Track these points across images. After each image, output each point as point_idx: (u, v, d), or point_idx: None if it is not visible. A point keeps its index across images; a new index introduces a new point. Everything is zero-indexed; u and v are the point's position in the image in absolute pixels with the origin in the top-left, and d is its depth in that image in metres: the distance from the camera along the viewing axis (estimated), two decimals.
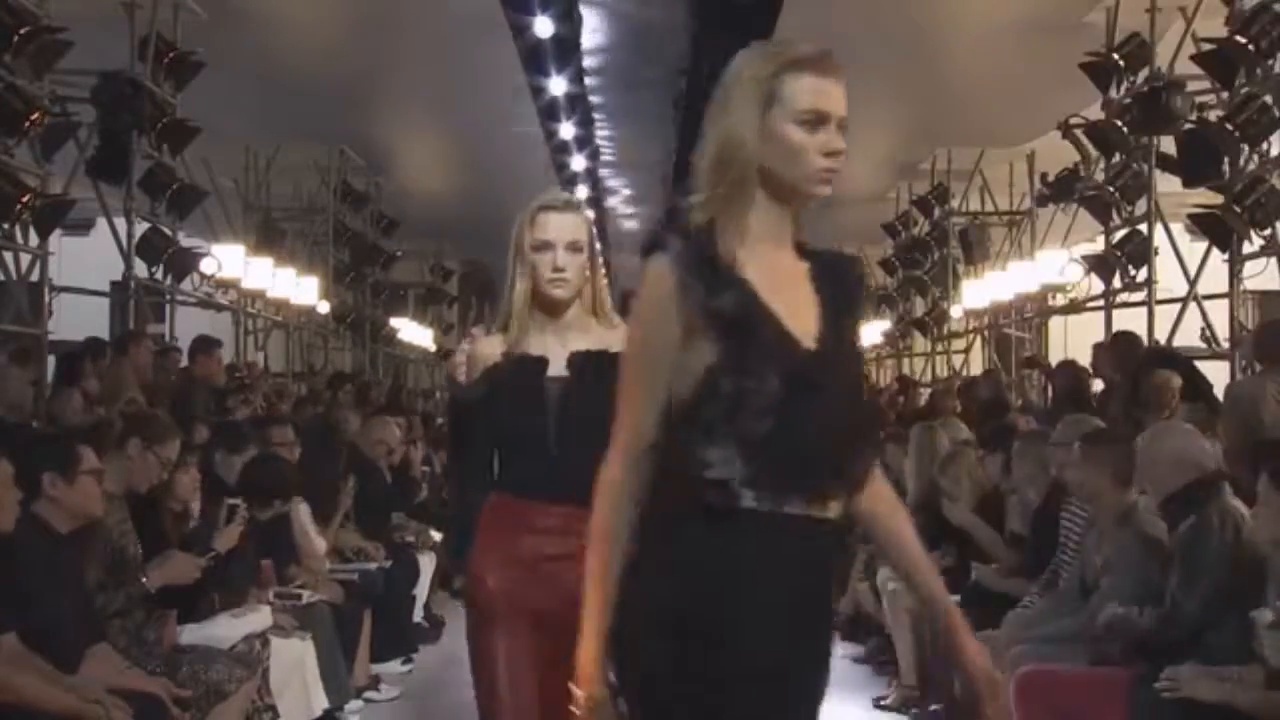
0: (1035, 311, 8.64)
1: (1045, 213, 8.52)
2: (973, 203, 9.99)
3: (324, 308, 9.48)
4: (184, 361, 5.89)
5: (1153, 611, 2.80)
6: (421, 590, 5.24)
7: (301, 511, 4.33)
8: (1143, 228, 6.31)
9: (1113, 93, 6.30)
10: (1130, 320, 6.38)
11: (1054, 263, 7.56)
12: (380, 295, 11.50)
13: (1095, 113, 6.57)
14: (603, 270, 2.18)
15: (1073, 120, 6.78)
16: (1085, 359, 5.89)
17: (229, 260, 7.31)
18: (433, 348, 14.00)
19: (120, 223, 6.25)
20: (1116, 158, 6.47)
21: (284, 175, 9.36)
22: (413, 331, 12.87)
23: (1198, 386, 4.56)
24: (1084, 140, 6.71)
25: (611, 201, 14.93)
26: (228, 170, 8.89)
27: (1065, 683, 2.86)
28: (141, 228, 6.27)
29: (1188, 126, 5.53)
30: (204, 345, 5.92)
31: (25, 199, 4.86)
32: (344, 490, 4.70)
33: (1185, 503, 2.82)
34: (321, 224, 9.85)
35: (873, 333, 12.88)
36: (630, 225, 17.01)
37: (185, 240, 6.89)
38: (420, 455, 6.16)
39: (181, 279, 6.76)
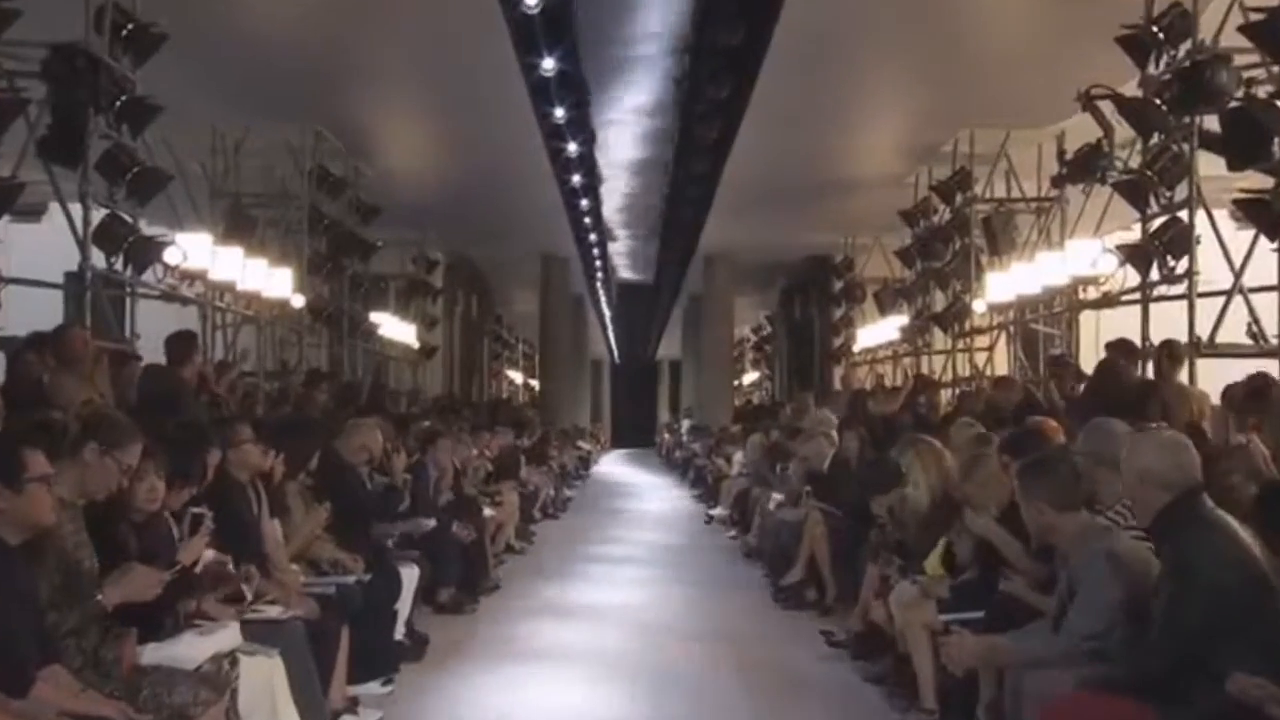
0: (1065, 306, 8.62)
1: (1076, 199, 8.49)
2: (997, 188, 9.97)
3: (298, 301, 9.46)
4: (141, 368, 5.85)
5: (1125, 634, 2.77)
6: (404, 605, 5.22)
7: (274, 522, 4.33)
8: (1183, 214, 6.28)
9: (1151, 67, 6.26)
10: (1169, 315, 6.36)
11: (1086, 253, 7.54)
12: (359, 288, 11.48)
13: (1132, 90, 6.51)
14: None
15: (1095, 90, 6.67)
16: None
17: (195, 250, 7.29)
18: (416, 344, 13.99)
19: (75, 209, 6.21)
20: (1155, 138, 6.42)
21: (254, 158, 9.34)
22: (394, 327, 12.86)
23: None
24: (1106, 112, 6.63)
25: (610, 190, 14.91)
26: (193, 152, 8.87)
27: (1094, 714, 2.84)
28: (99, 214, 6.22)
29: (1233, 104, 5.49)
30: (186, 345, 5.88)
31: None
32: (310, 507, 4.68)
33: (1169, 522, 2.79)
34: (295, 211, 9.83)
35: (889, 329, 12.92)
36: (628, 215, 17.01)
37: (147, 228, 6.85)
38: (403, 461, 6.14)
39: (143, 270, 6.71)
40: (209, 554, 3.59)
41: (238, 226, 8.77)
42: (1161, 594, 2.73)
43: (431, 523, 5.84)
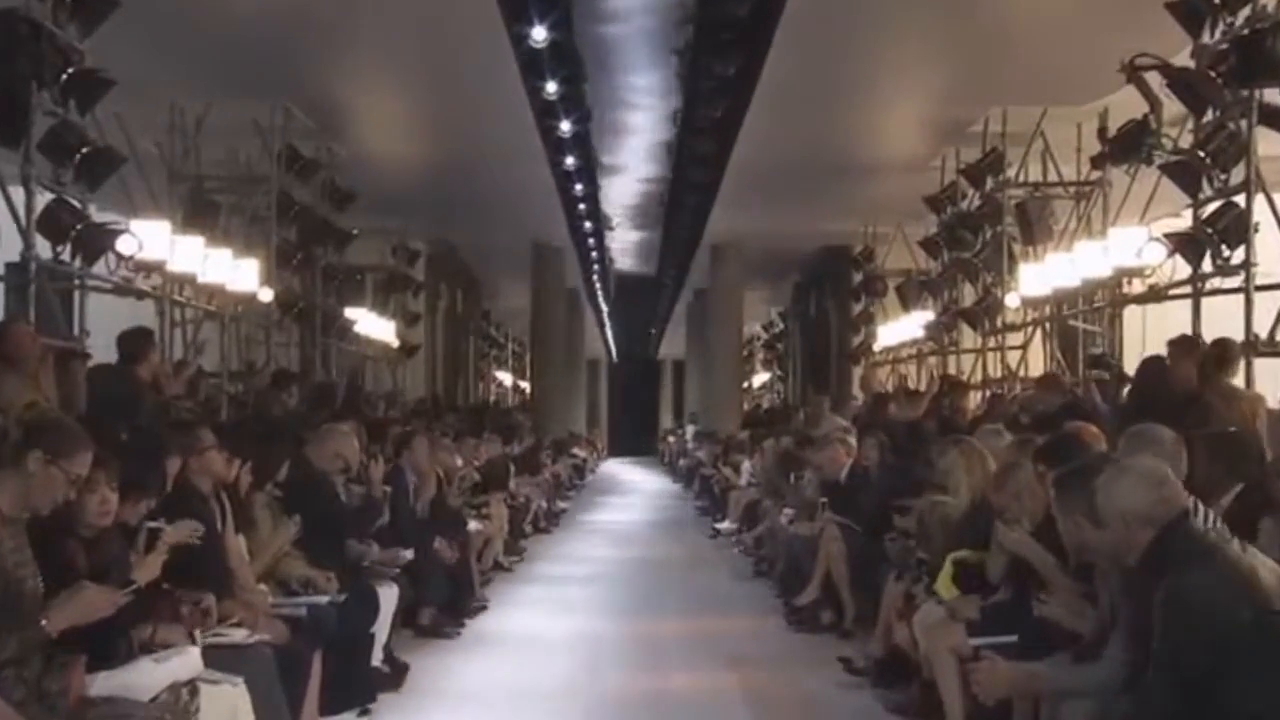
0: (1107, 301, 8.60)
1: (1119, 183, 8.46)
2: (1032, 171, 9.95)
3: (266, 295, 9.44)
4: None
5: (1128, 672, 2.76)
6: (382, 628, 5.21)
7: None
8: (1239, 199, 6.24)
9: (1205, 36, 6.21)
10: (1223, 310, 6.33)
11: (1130, 242, 7.51)
12: (333, 281, 11.47)
13: (1183, 61, 6.44)
14: None
15: (1142, 60, 6.61)
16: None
17: (151, 239, 7.26)
18: (395, 343, 14.00)
19: (17, 193, 6.17)
20: (1209, 114, 6.36)
21: (217, 138, 9.30)
22: (371, 324, 12.85)
23: None
24: (1153, 85, 6.56)
25: (607, 173, 14.90)
26: (149, 131, 8.84)
27: None
28: (43, 199, 6.19)
29: None
30: (141, 342, 5.86)
31: None
32: (279, 521, 4.66)
33: (1159, 558, 2.78)
34: (263, 196, 9.80)
35: (912, 326, 12.92)
36: (628, 201, 17.00)
37: (97, 215, 6.82)
38: (381, 470, 6.13)
39: (93, 261, 6.68)
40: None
41: (198, 213, 8.75)
42: (1158, 633, 2.71)
43: (409, 554, 5.82)
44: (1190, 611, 2.66)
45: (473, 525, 7.72)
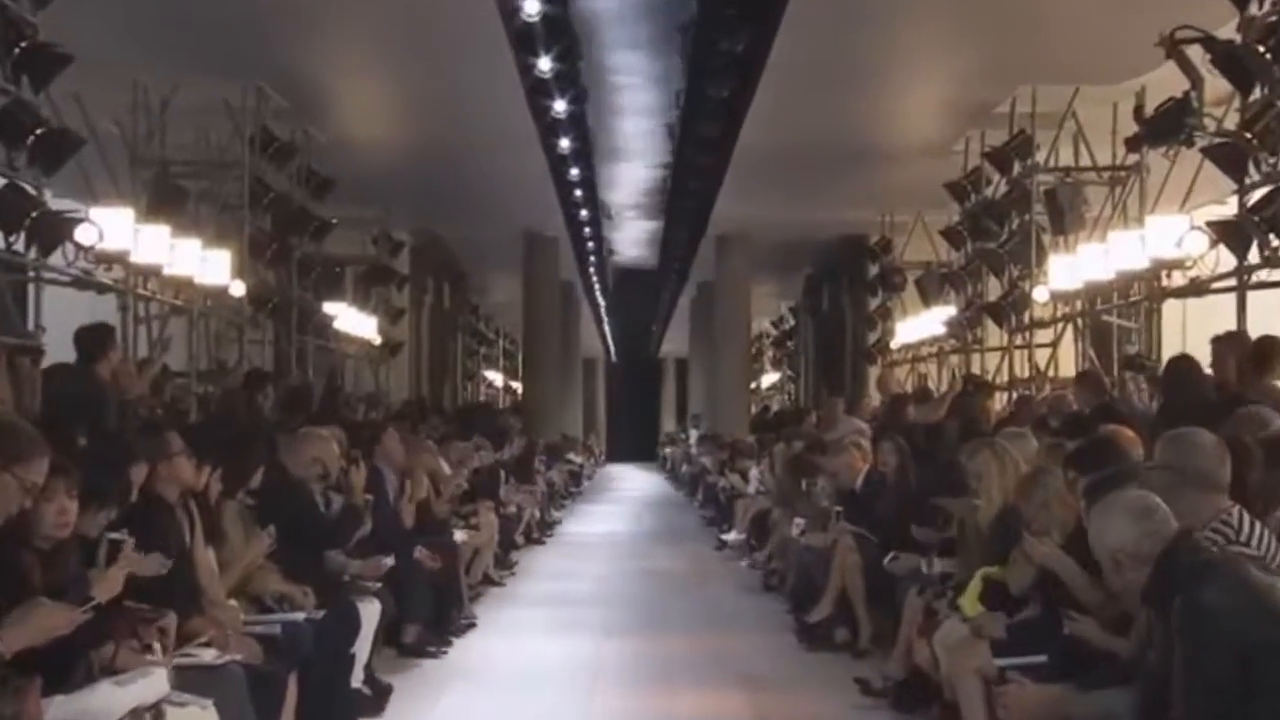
0: (1144, 295, 8.59)
1: (1158, 167, 8.45)
2: (1063, 155, 9.94)
3: (238, 289, 9.44)
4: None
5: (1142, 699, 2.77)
6: (363, 647, 5.20)
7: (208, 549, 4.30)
8: None
9: (1253, 8, 6.20)
10: (1270, 304, 6.31)
11: (1170, 231, 7.50)
12: (310, 274, 11.47)
13: (1229, 34, 6.42)
14: None
15: (1183, 34, 6.57)
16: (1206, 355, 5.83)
17: (113, 228, 7.24)
18: (377, 340, 14.00)
19: None
20: (1256, 92, 6.32)
21: (184, 119, 9.29)
22: (352, 320, 12.85)
23: None
24: (1195, 60, 6.53)
25: (605, 158, 14.89)
26: (110, 111, 8.82)
27: None
28: None
29: None
30: (100, 339, 5.83)
31: None
32: (252, 532, 4.66)
33: (1164, 586, 2.80)
34: (234, 183, 9.79)
35: (933, 322, 12.92)
36: (627, 187, 17.00)
37: (54, 202, 6.81)
38: (363, 476, 6.12)
39: (49, 252, 6.67)
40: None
41: (164, 200, 8.73)
42: (1180, 658, 2.72)
43: (390, 561, 5.81)
44: (1211, 629, 2.67)
45: (458, 535, 7.70)
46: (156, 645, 3.57)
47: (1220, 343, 5.82)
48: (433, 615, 6.67)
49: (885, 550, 6.25)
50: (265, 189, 10.06)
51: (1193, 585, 2.74)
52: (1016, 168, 10.14)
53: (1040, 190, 9.82)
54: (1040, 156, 9.88)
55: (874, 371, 14.78)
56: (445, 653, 6.56)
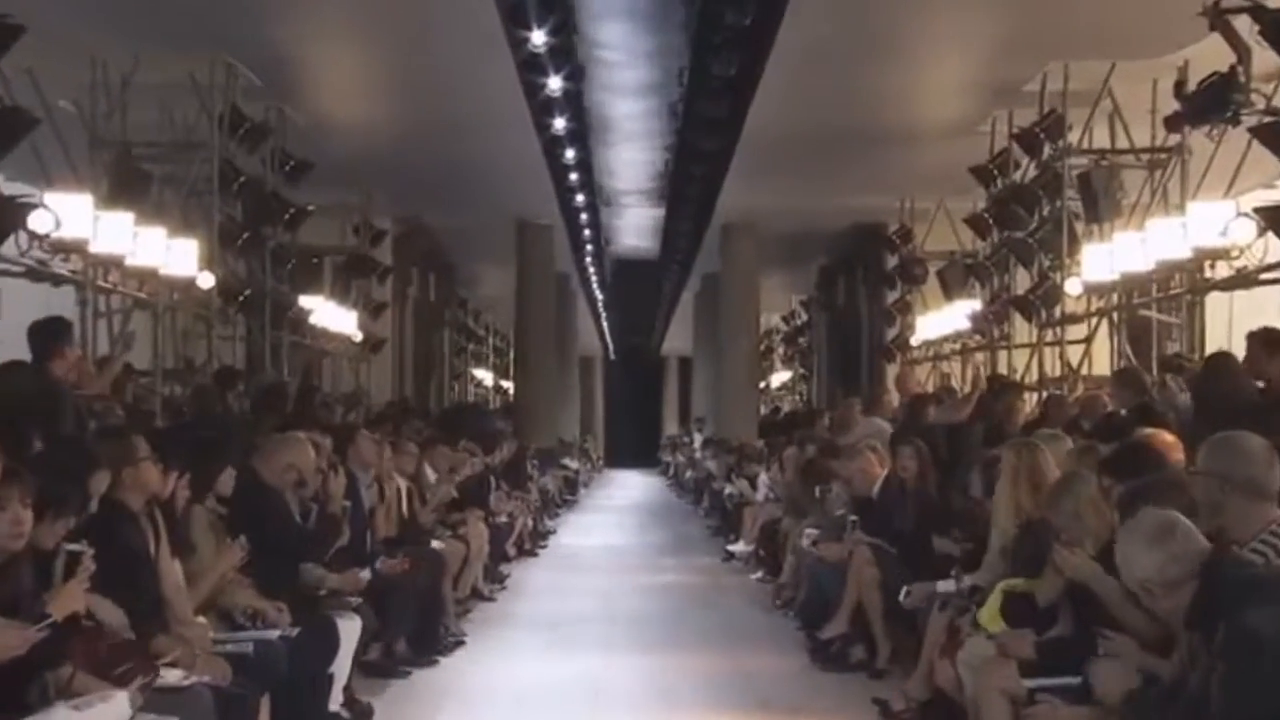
0: (1186, 287, 8.58)
1: (1201, 149, 8.43)
2: (1098, 136, 9.94)
3: (206, 281, 9.44)
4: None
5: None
6: (341, 667, 5.19)
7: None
8: None
9: None
10: None
11: (1214, 218, 7.49)
12: (285, 265, 11.47)
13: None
14: None
15: (1228, 2, 6.53)
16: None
17: (70, 215, 7.25)
18: (358, 336, 14.01)
19: None
20: None
21: (147, 97, 9.27)
22: (330, 314, 12.86)
23: None
24: (1242, 31, 6.49)
25: (603, 140, 14.89)
26: (66, 89, 8.81)
27: None
28: None
29: None
30: (56, 335, 5.83)
31: None
32: (222, 543, 4.65)
33: (1206, 609, 2.82)
34: (202, 166, 9.79)
35: (956, 317, 12.92)
36: (627, 171, 16.99)
37: (6, 186, 6.81)
38: (342, 484, 6.12)
39: (2, 240, 6.68)
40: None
41: (126, 185, 8.73)
42: (1226, 684, 2.73)
43: (367, 575, 5.80)
44: (1257, 653, 2.67)
45: (435, 544, 7.68)
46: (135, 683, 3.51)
47: (1257, 340, 5.79)
48: (417, 631, 6.66)
49: (904, 562, 6.25)
50: (235, 173, 10.05)
51: (1238, 606, 2.74)
52: (1047, 150, 10.14)
53: (1073, 174, 9.83)
54: (1073, 137, 9.88)
55: (892, 370, 14.77)
56: (431, 671, 6.55)
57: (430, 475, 8.65)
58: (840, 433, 9.59)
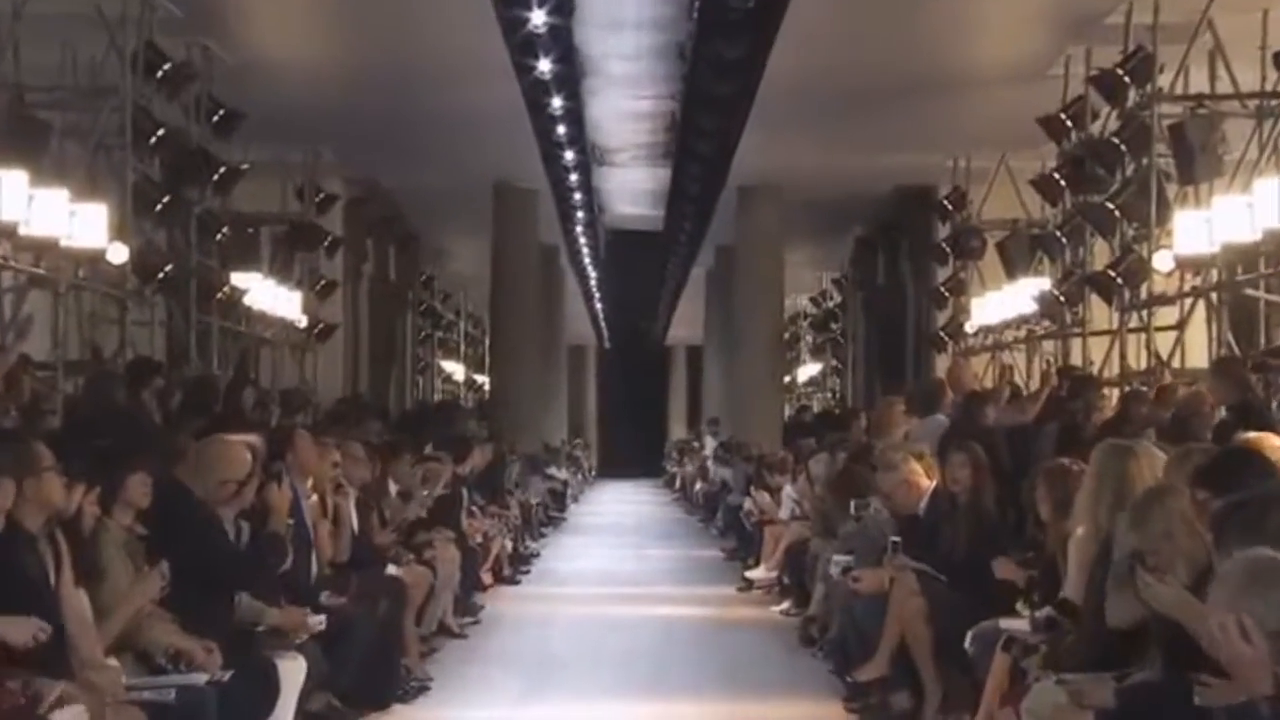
0: None
1: None
2: (1194, 79, 9.93)
3: (119, 255, 9.43)
4: None
5: None
6: (282, 716, 5.20)
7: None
8: None
9: None
10: None
11: None
12: (214, 235, 11.47)
13: None
14: None
15: None
16: None
17: None
18: (302, 321, 14.02)
19: None
20: None
21: (43, 32, 9.27)
22: (269, 294, 12.87)
23: None
24: None
25: (597, 87, 14.87)
26: None
27: None
28: None
29: None
30: None
31: None
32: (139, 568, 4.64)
33: None
34: (112, 115, 9.78)
35: (1021, 298, 12.92)
36: (625, 125, 16.97)
37: None
38: (286, 498, 6.11)
39: None
40: None
41: (19, 137, 8.73)
42: None
43: (321, 621, 5.78)
44: None
45: (394, 569, 7.67)
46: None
47: None
48: (370, 674, 6.66)
49: (955, 591, 6.25)
50: (153, 124, 10.05)
51: None
52: (1132, 96, 10.13)
53: (1164, 125, 9.81)
54: (1164, 81, 9.86)
55: (943, 362, 14.80)
56: None
57: (392, 489, 8.64)
58: (880, 437, 9.59)
